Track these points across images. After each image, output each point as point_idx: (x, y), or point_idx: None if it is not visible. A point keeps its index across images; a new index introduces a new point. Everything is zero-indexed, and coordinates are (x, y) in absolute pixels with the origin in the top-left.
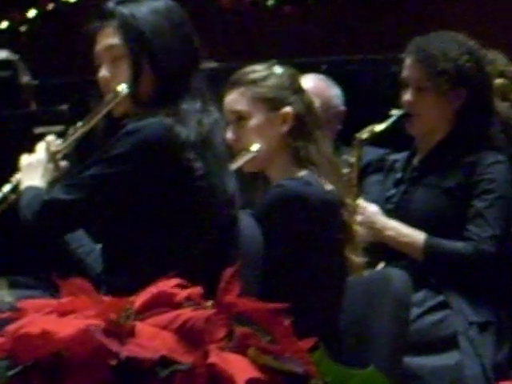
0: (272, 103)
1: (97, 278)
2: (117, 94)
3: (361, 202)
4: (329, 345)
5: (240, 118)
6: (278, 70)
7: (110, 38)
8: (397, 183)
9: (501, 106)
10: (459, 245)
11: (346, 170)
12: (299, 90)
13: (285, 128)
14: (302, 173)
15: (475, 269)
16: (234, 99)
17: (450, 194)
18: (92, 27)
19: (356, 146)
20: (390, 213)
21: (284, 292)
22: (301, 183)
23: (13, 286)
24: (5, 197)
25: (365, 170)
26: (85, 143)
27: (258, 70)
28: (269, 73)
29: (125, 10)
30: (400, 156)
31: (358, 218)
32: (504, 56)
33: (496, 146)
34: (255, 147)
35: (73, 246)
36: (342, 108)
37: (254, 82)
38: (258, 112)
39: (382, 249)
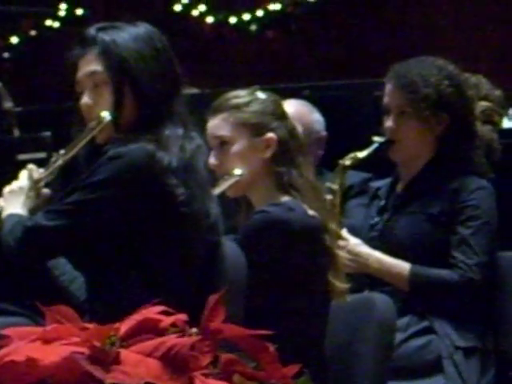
0: (255, 129)
1: (80, 305)
2: (100, 120)
3: (344, 233)
4: (314, 370)
5: (223, 144)
6: (261, 95)
7: (91, 65)
8: (381, 211)
9: (483, 129)
10: (444, 273)
11: (328, 197)
12: (282, 116)
13: (268, 153)
14: (285, 198)
15: (461, 296)
16: (217, 124)
17: (434, 220)
18: (74, 54)
19: (339, 172)
20: (374, 240)
21: (267, 318)
22: (283, 209)
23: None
24: None
25: (347, 193)
26: (67, 170)
27: (241, 96)
28: (252, 98)
29: (106, 36)
30: (383, 183)
31: (342, 251)
32: (487, 80)
33: (480, 172)
34: (238, 172)
35: (56, 273)
36: (324, 133)
37: (237, 107)
38: (241, 137)
39: (366, 277)
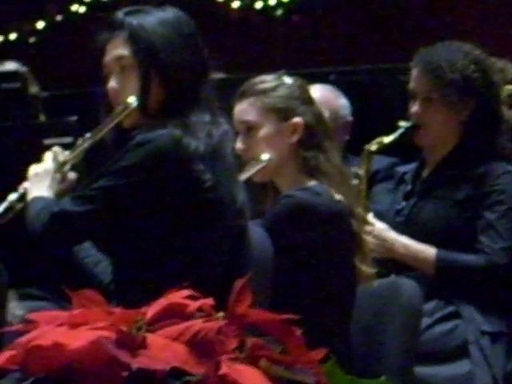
0: (282, 113)
1: (105, 288)
2: (127, 105)
3: (370, 218)
4: (340, 355)
5: (250, 129)
6: (287, 80)
7: (119, 49)
8: (407, 196)
9: (509, 113)
10: (471, 258)
11: (354, 182)
12: (309, 101)
13: (294, 138)
14: (312, 183)
15: (488, 281)
16: (244, 109)
17: (460, 206)
18: (101, 38)
19: (365, 157)
20: (400, 226)
21: (294, 302)
22: (310, 193)
23: (23, 297)
24: (11, 206)
25: (373, 178)
26: (94, 154)
27: (267, 81)
28: (278, 83)
29: (134, 20)
30: (409, 168)
31: (368, 236)
32: None
33: (505, 156)
34: (265, 157)
35: (80, 256)
36: (350, 118)
37: (264, 92)
38: (267, 122)
39: (393, 262)
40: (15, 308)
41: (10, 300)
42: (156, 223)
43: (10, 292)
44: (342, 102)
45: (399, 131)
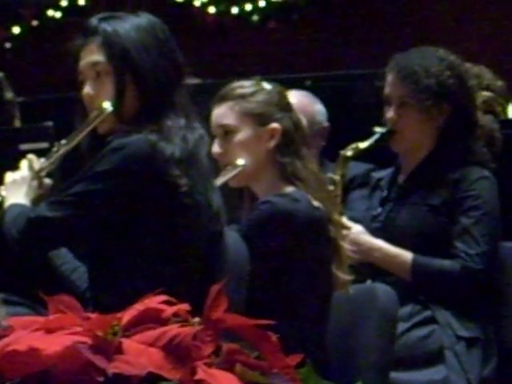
0: (260, 118)
1: (82, 295)
2: (101, 111)
3: (346, 221)
4: (316, 360)
5: (227, 132)
6: (266, 86)
7: (93, 55)
8: (383, 202)
9: (484, 118)
10: (446, 263)
11: (330, 187)
12: (287, 107)
13: (272, 144)
14: (289, 189)
15: (463, 286)
16: (222, 113)
17: (436, 211)
18: (76, 44)
19: (340, 163)
20: (376, 231)
21: (270, 308)
22: (288, 200)
23: (5, 302)
24: None
25: (349, 185)
26: (69, 160)
27: (246, 86)
28: (257, 88)
29: (108, 26)
30: (384, 173)
31: (345, 239)
32: (489, 70)
33: (481, 162)
34: (240, 162)
35: (57, 263)
36: (326, 124)
37: (243, 96)
38: (245, 126)
39: (369, 267)
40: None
41: None
42: (131, 228)
43: None
44: (319, 108)
45: (375, 137)
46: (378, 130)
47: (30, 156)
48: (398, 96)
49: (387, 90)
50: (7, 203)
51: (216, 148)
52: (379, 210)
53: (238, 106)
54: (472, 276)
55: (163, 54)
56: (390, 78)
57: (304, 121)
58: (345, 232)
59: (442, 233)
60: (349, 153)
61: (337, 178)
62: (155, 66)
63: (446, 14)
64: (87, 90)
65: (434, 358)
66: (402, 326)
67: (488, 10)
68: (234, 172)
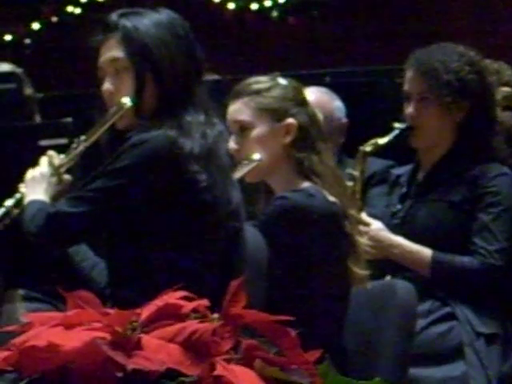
0: (276, 114)
1: (101, 291)
2: (121, 106)
3: (365, 217)
4: (334, 356)
5: (243, 128)
6: (282, 81)
7: (113, 51)
8: (402, 198)
9: (504, 115)
10: (466, 259)
11: (349, 183)
12: (303, 102)
13: (288, 139)
14: (305, 184)
15: (483, 283)
16: (238, 109)
17: (456, 208)
18: (95, 40)
19: (359, 158)
20: (396, 228)
21: (289, 304)
22: (304, 195)
23: (25, 299)
24: (8, 211)
25: (368, 182)
26: (89, 156)
27: (262, 81)
28: (273, 84)
29: (127, 22)
30: (404, 170)
31: (364, 236)
32: (509, 66)
33: (500, 158)
34: (256, 157)
35: (77, 259)
36: (345, 120)
37: (258, 92)
38: (261, 122)
39: (388, 263)
40: (19, 308)
41: (16, 301)
42: (152, 224)
43: (15, 293)
44: (337, 105)
45: (394, 133)
46: (398, 125)
47: (50, 152)
48: (418, 92)
49: (407, 86)
50: (27, 199)
51: (232, 144)
52: (399, 206)
53: (254, 101)
54: (491, 272)
55: (183, 50)
56: (409, 73)
57: (321, 116)
58: (364, 228)
59: (461, 229)
60: (368, 148)
61: (356, 173)
62: (174, 62)
63: (466, 10)
64: (107, 85)
65: (454, 354)
66: (421, 323)
67: (506, 7)
68: (249, 167)
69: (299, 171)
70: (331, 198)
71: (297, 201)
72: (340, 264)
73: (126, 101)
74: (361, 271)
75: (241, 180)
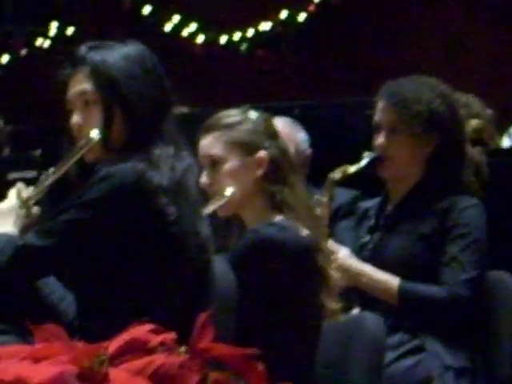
0: (247, 147)
1: (70, 324)
2: (89, 140)
3: (331, 244)
4: None
5: (215, 163)
6: (252, 114)
7: (81, 84)
8: (371, 230)
9: (473, 151)
10: (433, 289)
11: (317, 210)
12: (274, 135)
13: (260, 172)
14: (278, 218)
15: (450, 313)
16: (209, 143)
17: (425, 240)
18: (64, 73)
19: (328, 185)
20: (365, 260)
21: (259, 338)
22: (276, 228)
23: None
24: None
25: (336, 214)
26: (57, 189)
27: (232, 115)
28: (244, 117)
29: (96, 56)
30: (372, 203)
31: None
32: (478, 99)
33: (469, 190)
34: (229, 191)
35: (45, 291)
36: (309, 152)
37: (229, 126)
38: (232, 156)
39: (356, 293)
40: None
41: None
42: (119, 256)
43: None
44: (301, 136)
45: (363, 161)
46: (367, 155)
47: (19, 185)
48: (388, 122)
49: (377, 116)
50: None
51: (204, 178)
52: (367, 238)
53: (225, 135)
54: (459, 302)
55: (151, 83)
56: (380, 104)
57: (292, 148)
58: (332, 256)
59: (431, 262)
60: (337, 176)
61: (324, 199)
62: (143, 95)
63: (436, 46)
64: (76, 119)
65: None
66: (390, 356)
67: (478, 42)
68: (222, 201)
69: (271, 204)
70: (304, 231)
71: (269, 234)
72: (312, 297)
73: (95, 134)
74: (333, 304)
75: (213, 214)
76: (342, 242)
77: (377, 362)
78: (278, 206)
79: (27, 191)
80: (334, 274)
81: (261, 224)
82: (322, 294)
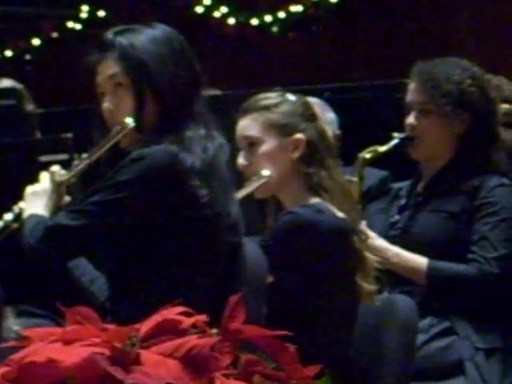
0: (284, 129)
1: (101, 306)
2: (124, 126)
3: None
4: (339, 372)
5: (252, 144)
6: (290, 97)
7: (110, 69)
8: (401, 209)
9: (506, 133)
10: (462, 267)
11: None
12: (312, 118)
13: (296, 154)
14: (314, 200)
15: (479, 291)
16: (247, 125)
17: (455, 218)
18: (92, 59)
19: (358, 165)
20: (394, 239)
21: (295, 319)
22: (313, 210)
23: (20, 314)
24: (6, 225)
25: (365, 196)
26: (88, 174)
27: (270, 97)
28: (282, 99)
29: (123, 40)
30: (404, 184)
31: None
32: (508, 82)
33: (500, 170)
34: (265, 173)
35: (77, 274)
36: (337, 132)
37: (267, 108)
38: (269, 138)
39: (385, 275)
40: (12, 325)
41: (8, 317)
42: (151, 239)
43: (7, 309)
44: (331, 116)
45: (393, 142)
46: (397, 135)
47: (54, 168)
48: (419, 102)
49: (408, 97)
50: (26, 213)
51: (241, 160)
52: (397, 217)
53: (262, 117)
54: (488, 280)
55: (180, 65)
56: (411, 85)
57: (330, 132)
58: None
59: (460, 240)
60: (367, 155)
61: (354, 179)
62: (173, 77)
63: (467, 27)
64: (107, 104)
65: (454, 369)
66: (421, 338)
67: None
68: (259, 183)
69: (308, 187)
70: (340, 214)
71: (306, 216)
72: (348, 279)
73: (129, 121)
74: (369, 286)
75: (250, 195)
76: (371, 224)
77: (409, 344)
78: (315, 189)
79: (60, 175)
80: (370, 257)
81: (297, 206)
82: (358, 275)
